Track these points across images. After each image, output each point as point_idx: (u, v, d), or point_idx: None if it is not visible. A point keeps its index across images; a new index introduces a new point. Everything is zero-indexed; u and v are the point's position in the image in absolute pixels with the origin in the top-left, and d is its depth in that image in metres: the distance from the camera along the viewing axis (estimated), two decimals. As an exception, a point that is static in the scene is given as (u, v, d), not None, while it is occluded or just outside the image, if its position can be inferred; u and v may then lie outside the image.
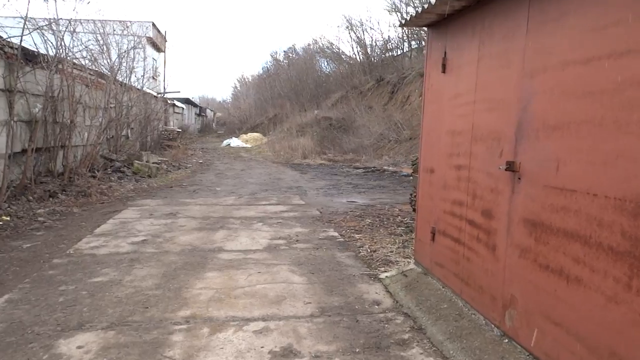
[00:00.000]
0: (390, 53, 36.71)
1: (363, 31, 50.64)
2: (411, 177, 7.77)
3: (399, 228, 7.54)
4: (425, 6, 3.91)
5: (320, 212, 8.94)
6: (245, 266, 5.30)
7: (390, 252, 6.00)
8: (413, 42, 33.87)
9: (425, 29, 4.79)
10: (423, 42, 32.22)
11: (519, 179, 3.04)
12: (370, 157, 22.33)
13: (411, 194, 7.59)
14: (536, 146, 2.87)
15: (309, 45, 50.57)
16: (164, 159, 18.26)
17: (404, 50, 35.25)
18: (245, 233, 6.99)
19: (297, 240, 6.61)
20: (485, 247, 3.46)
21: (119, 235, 6.65)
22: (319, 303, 4.25)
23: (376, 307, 4.20)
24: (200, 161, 20.21)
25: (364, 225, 7.76)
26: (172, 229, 7.16)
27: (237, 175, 15.68)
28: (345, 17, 53.22)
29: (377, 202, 10.41)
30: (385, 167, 19.14)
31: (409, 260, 5.49)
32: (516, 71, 3.12)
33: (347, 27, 39.46)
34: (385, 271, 5.13)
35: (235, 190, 11.80)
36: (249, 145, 32.92)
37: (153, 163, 15.16)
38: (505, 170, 3.11)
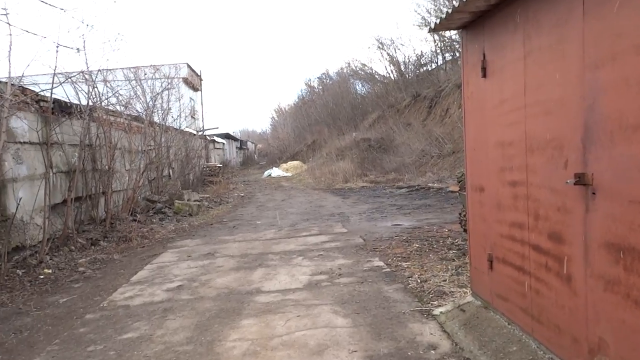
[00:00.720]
0: (424, 68, 36.16)
1: (395, 49, 50.32)
2: (458, 195, 7.14)
3: (450, 252, 6.91)
4: (457, 4, 3.44)
5: (364, 240, 8.42)
6: (284, 309, 4.86)
7: (443, 281, 5.40)
8: (447, 55, 33.24)
9: (459, 32, 4.31)
10: (457, 53, 31.53)
11: (593, 193, 2.48)
12: (414, 175, 21.63)
13: (460, 213, 6.98)
14: (612, 153, 2.31)
15: (341, 69, 50.67)
16: (206, 195, 18.28)
17: (438, 64, 34.60)
18: (284, 270, 6.56)
19: (339, 275, 6.12)
20: (558, 278, 2.87)
21: (155, 282, 6.38)
22: (366, 351, 3.73)
23: (432, 352, 3.64)
24: (242, 194, 20.14)
25: (411, 251, 7.17)
26: (209, 270, 6.83)
27: (278, 206, 15.40)
28: (375, 38, 53.23)
29: (423, 224, 9.79)
30: (429, 185, 18.41)
31: (465, 290, 4.88)
32: (574, 63, 2.58)
33: (379, 47, 39.24)
34: (440, 305, 4.55)
35: (275, 223, 11.46)
36: (289, 174, 32.86)
37: (194, 201, 15.12)
38: (575, 184, 2.55)
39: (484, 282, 4.05)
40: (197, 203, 14.73)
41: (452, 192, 15.44)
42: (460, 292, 4.89)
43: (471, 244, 4.31)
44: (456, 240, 7.71)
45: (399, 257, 6.88)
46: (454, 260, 6.35)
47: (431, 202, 13.60)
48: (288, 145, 49.89)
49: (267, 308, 4.93)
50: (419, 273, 5.85)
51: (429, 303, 4.70)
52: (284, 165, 35.93)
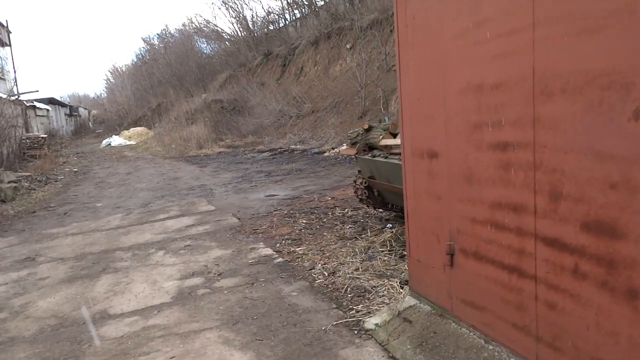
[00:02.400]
0: (273, 26, 34.72)
1: (241, 5, 47.76)
2: (355, 159, 6.07)
3: (346, 227, 5.86)
4: None
5: (239, 219, 6.97)
6: (148, 348, 3.27)
7: (355, 270, 4.29)
8: (296, 12, 32.16)
9: None
10: (306, 10, 30.61)
11: None
12: (274, 138, 20.47)
13: (355, 181, 5.93)
14: None
15: (184, 25, 46.60)
16: (26, 173, 14.82)
17: (288, 21, 33.44)
18: (141, 275, 4.86)
19: (219, 274, 4.64)
20: (605, 291, 1.85)
21: None
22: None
23: (389, 399, 2.47)
24: (75, 169, 16.90)
25: (300, 230, 5.97)
26: (26, 287, 4.80)
27: (123, 181, 12.98)
28: (220, -8, 49.64)
29: (301, 192, 8.66)
30: (292, 147, 17.45)
31: (392, 284, 3.82)
32: None
33: (224, 3, 36.55)
34: (369, 312, 3.41)
35: (122, 204, 9.33)
36: (133, 143, 29.31)
37: (9, 182, 11.93)
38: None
39: (435, 280, 2.98)
40: (14, 185, 11.63)
41: (318, 153, 14.66)
42: (386, 287, 3.81)
43: (411, 230, 3.19)
44: (346, 212, 6.71)
45: (287, 239, 5.62)
46: (355, 238, 5.29)
47: (300, 166, 12.57)
48: (129, 110, 44.84)
49: (121, 349, 3.29)
50: (321, 261, 4.66)
51: (352, 309, 3.53)
52: (126, 133, 31.99)
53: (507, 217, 2.32)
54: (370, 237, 5.24)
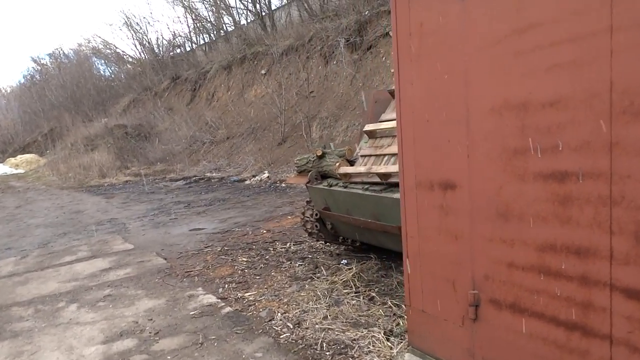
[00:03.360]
0: (180, 49, 33.50)
1: (145, 27, 45.71)
2: (307, 188, 5.52)
3: (296, 264, 5.26)
4: None
5: (165, 259, 6.06)
6: None
7: (324, 319, 3.71)
8: (205, 36, 31.30)
9: None
10: (214, 36, 29.86)
11: None
12: (186, 165, 19.29)
13: (304, 213, 5.37)
14: None
15: (80, 46, 43.36)
16: None
17: (196, 45, 32.45)
18: (50, 339, 3.85)
19: (156, 332, 3.80)
20: None
21: None
22: None
23: None
24: (-51, 204, 14.45)
25: (243, 270, 5.25)
26: None
27: (12, 216, 11.21)
28: (123, 13, 47.17)
29: (231, 225, 7.90)
30: (208, 175, 16.47)
31: (375, 335, 3.29)
32: None
33: (126, 24, 34.72)
34: (361, 376, 2.84)
35: (13, 244, 7.88)
36: (21, 171, 26.21)
37: None
38: None
39: (449, 336, 2.50)
40: None
41: (238, 181, 13.88)
42: (368, 339, 3.26)
43: (412, 275, 2.70)
44: (289, 246, 6.10)
45: (231, 282, 4.88)
46: (311, 278, 4.71)
47: (222, 195, 11.73)
48: (15, 135, 40.41)
49: None
50: (279, 309, 4.00)
51: (338, 372, 2.93)
52: (13, 160, 28.61)
53: (566, 262, 1.90)
54: (328, 276, 4.68)
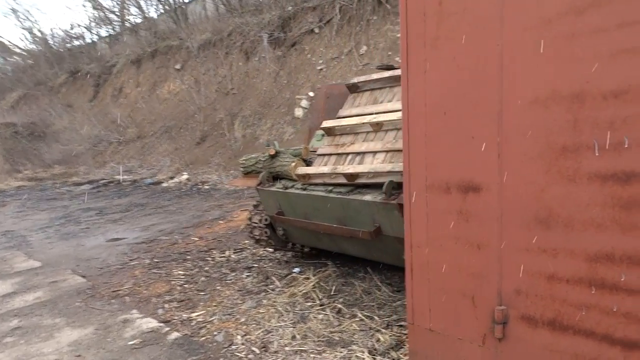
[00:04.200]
0: (79, 41, 30.78)
1: (36, 15, 41.69)
2: (257, 190, 5.04)
3: (242, 276, 4.75)
4: None
5: (84, 277, 5.24)
6: None
7: (293, 339, 3.27)
8: (108, 27, 29.02)
9: None
10: (117, 29, 27.77)
11: None
12: (91, 167, 17.64)
13: (250, 218, 4.88)
14: None
15: (-44, 32, 38.32)
16: None
17: (98, 37, 30.02)
18: (-54, 391, 3.02)
19: (90, 371, 3.13)
20: None
21: None
22: None
23: None
24: None
25: (183, 286, 4.64)
26: None
27: None
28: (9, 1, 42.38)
29: (156, 233, 7.14)
30: (118, 177, 15.14)
31: (360, 356, 2.92)
32: None
33: (13, 11, 31.29)
34: (357, 409, 2.45)
35: None
36: None
37: None
38: None
39: (465, 358, 2.20)
40: None
41: (152, 184, 12.84)
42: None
43: (417, 289, 2.37)
44: (228, 255, 5.56)
45: (171, 301, 4.26)
46: (265, 291, 4.23)
47: (138, 199, 10.72)
48: None
49: None
50: (238, 331, 3.50)
51: (328, 406, 2.52)
52: None
53: (627, 273, 1.67)
54: (283, 287, 4.24)
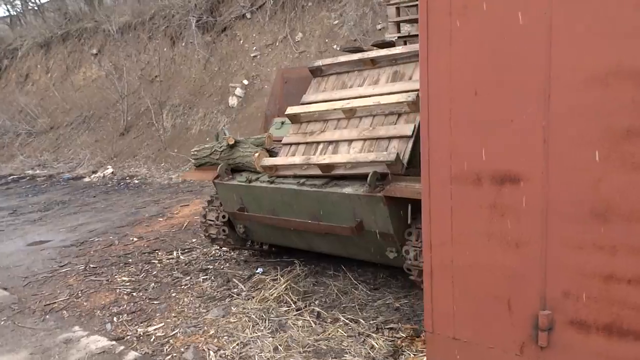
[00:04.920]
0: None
1: None
2: (213, 183, 4.58)
3: (199, 279, 4.29)
4: None
5: (7, 290, 4.49)
6: None
7: (275, 351, 2.92)
8: (3, 7, 26.19)
9: None
10: (18, 9, 25.12)
11: None
12: (-5, 162, 15.81)
13: (205, 215, 4.42)
14: None
15: None
16: None
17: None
18: None
19: (32, 410, 2.57)
20: None
21: None
22: None
23: None
24: None
25: (131, 294, 4.10)
26: None
27: None
28: None
29: (87, 235, 6.40)
30: (30, 172, 13.71)
31: (359, 367, 2.63)
32: None
33: None
34: None
35: None
36: None
37: None
38: None
39: (499, 367, 1.98)
40: None
41: (69, 179, 11.68)
42: (352, 374, 2.59)
43: (436, 293, 2.11)
44: (176, 256, 5.05)
45: (120, 313, 3.72)
46: (230, 297, 3.82)
47: (58, 196, 9.67)
48: None
49: None
50: (208, 345, 3.07)
51: None
52: None
53: (703, 270, 1.51)
54: (249, 291, 3.85)
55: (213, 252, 5.07)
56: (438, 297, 2.11)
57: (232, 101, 12.07)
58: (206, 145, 4.28)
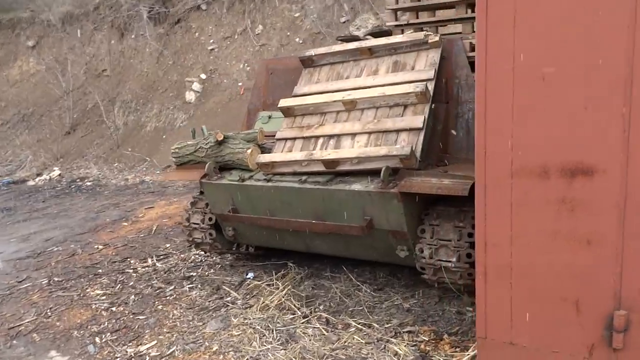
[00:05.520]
0: None
1: None
2: (200, 184, 4.27)
3: (186, 289, 3.96)
4: None
5: (-40, 310, 3.96)
6: None
7: (290, 365, 2.68)
8: None
9: None
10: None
11: None
12: None
13: (188, 218, 4.08)
14: None
15: None
16: None
17: None
18: None
19: None
20: None
21: None
22: None
23: None
24: None
25: (110, 311, 3.71)
26: None
27: None
28: None
29: (44, 244, 5.85)
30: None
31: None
32: None
33: None
34: None
35: None
36: None
37: None
38: None
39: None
40: None
41: (10, 182, 10.75)
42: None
43: (491, 296, 1.95)
44: (152, 263, 4.67)
45: (103, 332, 3.35)
46: (225, 305, 3.53)
47: (0, 202, 8.84)
48: None
49: None
50: (213, 363, 2.78)
51: None
52: None
53: None
54: (247, 299, 3.57)
55: (192, 257, 4.73)
56: (493, 300, 1.94)
57: (190, 96, 11.55)
58: (189, 142, 3.93)
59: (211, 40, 12.07)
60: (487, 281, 1.95)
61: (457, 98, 3.40)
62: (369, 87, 3.44)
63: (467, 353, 2.49)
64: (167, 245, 5.23)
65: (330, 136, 3.40)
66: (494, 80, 1.79)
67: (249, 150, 3.56)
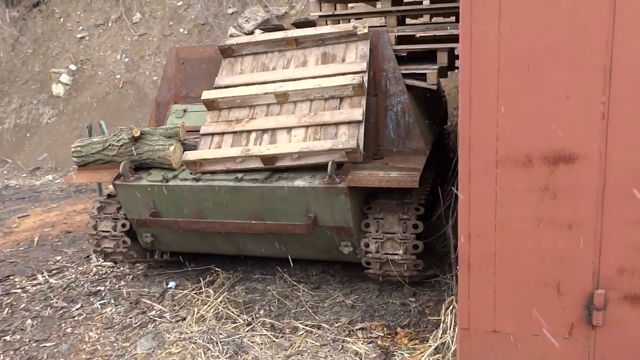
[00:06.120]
0: None
1: None
2: (114, 186, 3.76)
3: (96, 305, 3.48)
4: None
5: None
6: None
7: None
8: None
9: None
10: None
11: None
12: None
13: (95, 226, 3.57)
14: None
15: None
16: None
17: None
18: None
19: None
20: None
21: None
22: None
23: None
24: None
25: (2, 339, 3.09)
26: None
27: None
28: None
29: None
30: None
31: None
32: None
33: None
34: None
35: None
36: None
37: None
38: None
39: (545, 355, 1.92)
40: None
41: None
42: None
43: (473, 286, 1.96)
44: (44, 279, 4.04)
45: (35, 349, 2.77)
46: (152, 320, 3.16)
47: None
48: None
49: None
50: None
51: None
52: None
53: None
54: (177, 311, 3.23)
55: (94, 269, 4.17)
56: (476, 292, 1.96)
57: (57, 89, 10.28)
58: (95, 139, 3.43)
59: (80, 28, 10.86)
60: (470, 273, 1.95)
61: (386, 91, 3.40)
62: (300, 78, 3.31)
63: (429, 344, 2.51)
64: (58, 257, 4.56)
65: (264, 130, 3.20)
66: (478, 72, 1.79)
67: (172, 147, 3.21)
